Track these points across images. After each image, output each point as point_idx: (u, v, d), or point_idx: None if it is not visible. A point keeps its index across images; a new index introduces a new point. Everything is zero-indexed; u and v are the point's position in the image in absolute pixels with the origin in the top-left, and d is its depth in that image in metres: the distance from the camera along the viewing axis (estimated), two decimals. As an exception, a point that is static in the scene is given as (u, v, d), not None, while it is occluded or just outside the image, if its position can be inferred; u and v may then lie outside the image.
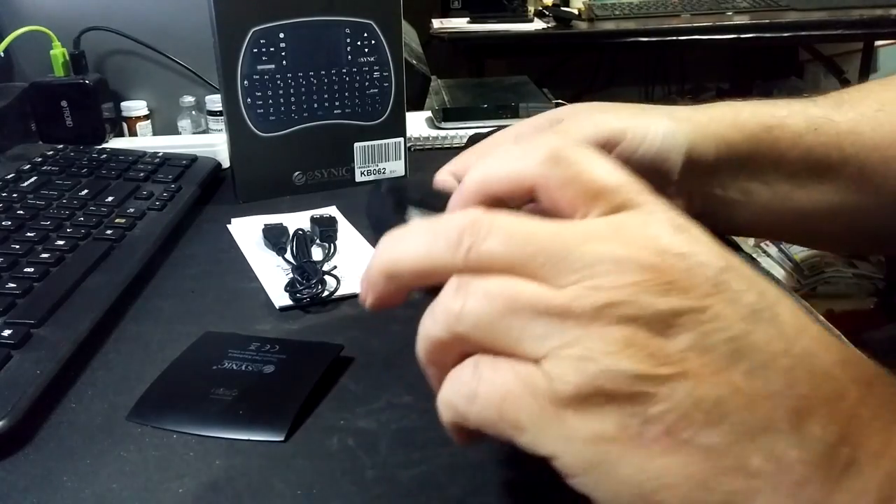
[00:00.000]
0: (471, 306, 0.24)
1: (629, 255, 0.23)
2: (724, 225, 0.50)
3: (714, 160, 0.46)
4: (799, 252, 1.90)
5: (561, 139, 0.27)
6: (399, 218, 0.31)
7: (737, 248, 0.51)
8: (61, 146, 0.68)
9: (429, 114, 0.83)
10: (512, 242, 0.24)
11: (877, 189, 0.46)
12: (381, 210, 0.32)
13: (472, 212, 0.25)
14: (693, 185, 0.48)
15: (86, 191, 0.57)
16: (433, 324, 0.25)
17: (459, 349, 0.25)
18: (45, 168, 0.62)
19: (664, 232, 0.24)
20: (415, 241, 0.26)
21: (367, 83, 0.64)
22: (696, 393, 0.22)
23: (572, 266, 0.23)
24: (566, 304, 0.23)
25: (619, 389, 0.22)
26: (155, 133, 0.83)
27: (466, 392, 0.24)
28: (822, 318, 0.43)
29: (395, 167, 0.68)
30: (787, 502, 0.21)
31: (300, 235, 0.52)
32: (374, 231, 0.33)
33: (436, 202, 0.32)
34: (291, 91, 0.61)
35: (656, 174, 0.44)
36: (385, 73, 0.64)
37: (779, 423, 0.21)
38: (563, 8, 1.85)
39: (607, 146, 0.43)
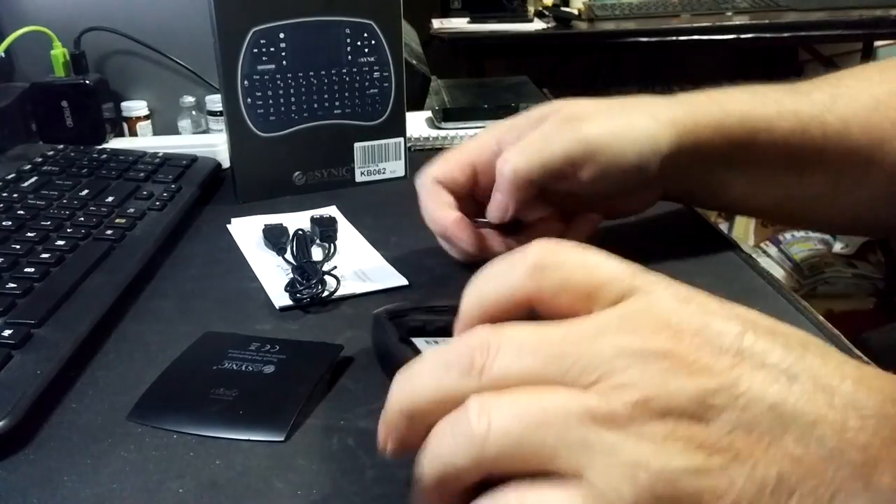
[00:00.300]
0: (498, 426, 0.22)
1: (644, 346, 0.22)
2: (701, 205, 0.52)
3: (694, 161, 0.46)
4: (799, 252, 1.90)
5: (544, 245, 0.26)
6: (405, 350, 0.32)
7: (735, 247, 0.51)
8: (61, 146, 0.68)
9: (429, 114, 0.83)
10: (524, 353, 0.23)
11: (858, 184, 0.46)
12: (387, 345, 0.33)
13: (478, 331, 0.25)
14: (670, 181, 0.48)
15: (86, 191, 0.57)
16: (453, 449, 0.23)
17: (477, 477, 0.23)
18: (45, 168, 0.62)
19: (671, 310, 0.23)
20: (428, 375, 0.25)
21: (367, 83, 0.64)
22: (757, 474, 0.20)
23: (590, 366, 0.22)
24: (596, 407, 0.22)
25: (679, 490, 0.21)
26: (155, 133, 0.83)
27: None
28: (821, 318, 0.43)
29: (395, 167, 0.68)
30: None
31: (300, 235, 0.52)
32: (382, 366, 0.34)
33: (438, 320, 0.33)
34: (291, 91, 0.61)
35: (633, 175, 0.45)
36: (385, 73, 0.64)
37: (848, 482, 0.20)
38: (562, 8, 1.85)
39: (586, 156, 0.43)
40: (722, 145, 0.46)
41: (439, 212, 0.46)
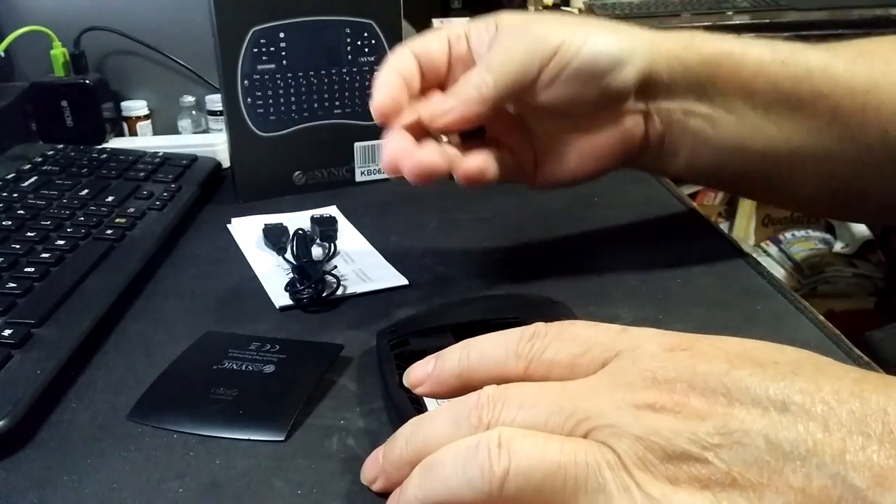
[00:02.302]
0: (518, 466, 0.24)
1: (635, 399, 0.24)
2: (691, 160, 0.46)
3: (669, 80, 0.43)
4: (799, 252, 1.90)
5: (519, 337, 0.28)
6: (404, 399, 0.33)
7: (736, 247, 0.51)
8: (61, 146, 0.68)
9: (429, 113, 0.83)
10: (526, 406, 0.25)
11: (853, 136, 0.43)
12: (388, 389, 0.35)
13: (486, 390, 0.26)
14: (651, 106, 0.44)
15: (86, 191, 0.57)
16: (462, 482, 0.24)
17: None
18: (45, 168, 0.62)
19: (656, 363, 0.25)
20: (440, 430, 0.27)
21: (367, 83, 0.64)
22: None
23: (587, 417, 0.24)
24: (608, 452, 0.23)
25: None
26: (155, 133, 0.83)
27: None
28: (822, 317, 0.43)
29: (396, 167, 0.68)
30: None
31: (300, 235, 0.52)
32: (385, 403, 0.36)
33: (437, 343, 0.35)
34: (291, 91, 0.61)
35: (607, 91, 0.42)
36: (385, 73, 0.64)
37: None
38: (563, 8, 1.85)
39: (542, 62, 0.40)
40: (698, 64, 0.42)
41: (384, 71, 0.41)
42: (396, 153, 0.40)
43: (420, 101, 0.41)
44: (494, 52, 0.40)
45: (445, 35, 0.43)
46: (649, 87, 0.43)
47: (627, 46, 0.41)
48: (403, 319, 0.41)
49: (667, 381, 0.24)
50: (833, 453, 0.21)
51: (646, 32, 0.43)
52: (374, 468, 0.29)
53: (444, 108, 0.40)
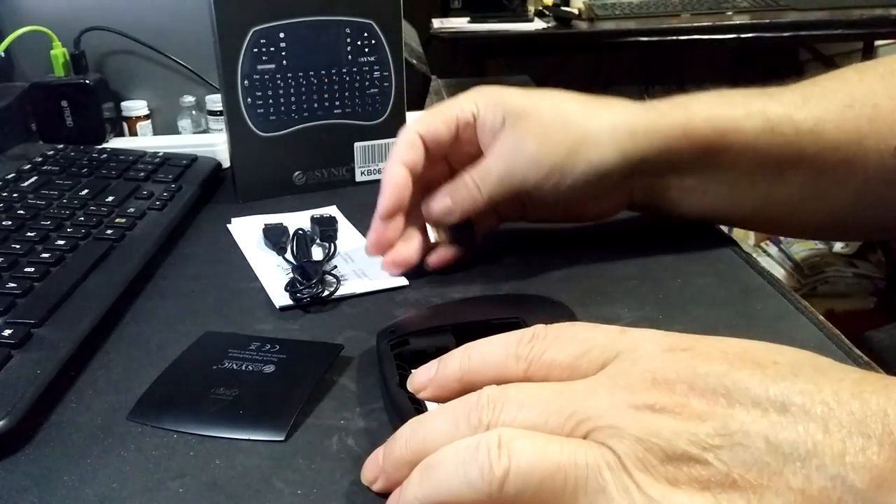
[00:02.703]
0: (518, 466, 0.23)
1: (634, 401, 0.24)
2: (682, 213, 0.49)
3: (659, 167, 0.46)
4: (799, 252, 1.90)
5: (518, 340, 0.29)
6: (404, 399, 0.33)
7: (735, 247, 0.51)
8: (61, 146, 0.68)
9: (429, 113, 0.83)
10: (526, 407, 0.25)
11: (839, 185, 0.45)
12: (389, 389, 0.35)
13: (486, 390, 0.27)
14: (636, 185, 0.48)
15: (86, 190, 0.57)
16: (462, 482, 0.24)
17: None
18: (45, 168, 0.62)
19: (655, 364, 0.25)
20: (439, 430, 0.27)
21: (367, 83, 0.64)
22: None
23: (587, 417, 0.24)
24: (607, 453, 0.23)
25: None
26: (155, 133, 0.83)
27: None
28: (822, 317, 0.43)
29: (396, 167, 0.68)
30: None
31: (300, 235, 0.52)
32: (384, 404, 0.36)
33: (437, 343, 0.36)
34: (291, 91, 0.61)
35: (595, 188, 0.45)
36: (385, 73, 0.64)
37: None
38: (563, 8, 1.85)
39: (536, 181, 0.44)
40: (689, 149, 0.44)
41: (393, 164, 0.45)
42: (380, 242, 0.47)
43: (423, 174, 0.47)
44: (492, 161, 0.44)
45: (455, 119, 0.45)
46: (637, 172, 0.45)
47: (621, 154, 0.44)
48: (403, 319, 0.41)
49: (666, 382, 0.24)
50: (833, 455, 0.21)
51: (642, 117, 0.45)
52: (374, 468, 0.29)
53: (443, 209, 0.46)
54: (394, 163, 0.45)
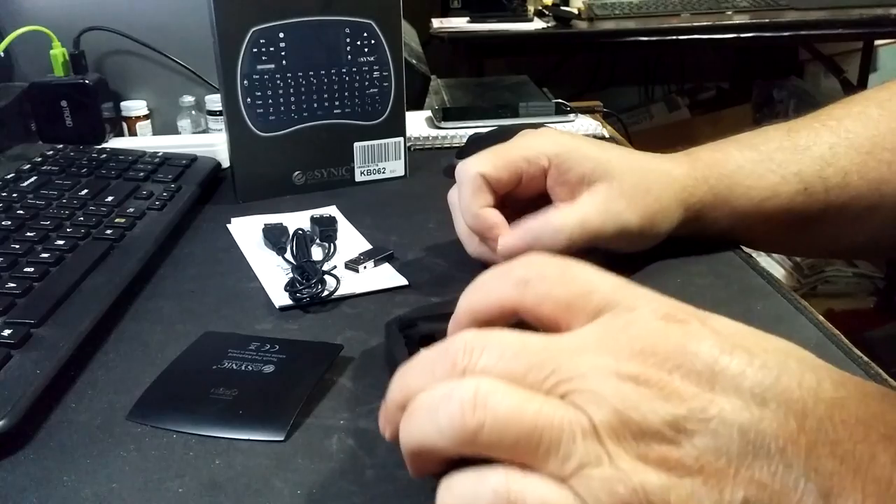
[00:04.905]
0: (493, 424, 0.23)
1: (618, 368, 0.23)
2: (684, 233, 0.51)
3: (700, 230, 0.49)
4: (799, 251, 1.90)
5: (531, 259, 0.28)
6: (410, 354, 0.33)
7: (735, 247, 0.51)
8: (61, 146, 0.68)
9: (429, 113, 0.83)
10: (506, 357, 0.25)
11: (861, 227, 0.48)
12: (395, 356, 0.36)
13: (464, 334, 0.26)
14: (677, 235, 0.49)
15: (86, 190, 0.57)
16: (435, 430, 0.24)
17: (455, 455, 0.24)
18: (45, 168, 0.62)
19: (648, 330, 0.24)
20: (417, 373, 0.27)
21: (366, 83, 0.64)
22: (724, 498, 0.22)
23: (566, 378, 0.24)
24: (581, 424, 0.23)
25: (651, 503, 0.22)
26: (155, 133, 0.83)
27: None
28: (821, 317, 0.43)
29: (395, 167, 0.68)
30: None
31: (300, 235, 0.52)
32: (389, 371, 0.35)
33: (446, 327, 0.35)
34: (291, 91, 0.61)
35: (651, 243, 0.48)
36: (385, 73, 0.64)
37: None
38: (562, 7, 1.85)
39: (618, 238, 0.45)
40: (728, 219, 0.48)
41: (483, 210, 0.45)
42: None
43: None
44: (580, 213, 0.44)
45: (519, 168, 0.45)
46: (679, 230, 0.48)
47: (679, 224, 0.47)
48: (410, 311, 0.41)
49: (654, 355, 0.23)
50: (802, 456, 0.22)
51: (697, 191, 0.47)
52: (382, 419, 0.29)
53: (522, 248, 0.44)
54: (468, 212, 0.45)
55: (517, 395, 0.23)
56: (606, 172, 0.45)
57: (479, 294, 0.29)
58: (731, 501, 0.21)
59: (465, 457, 0.24)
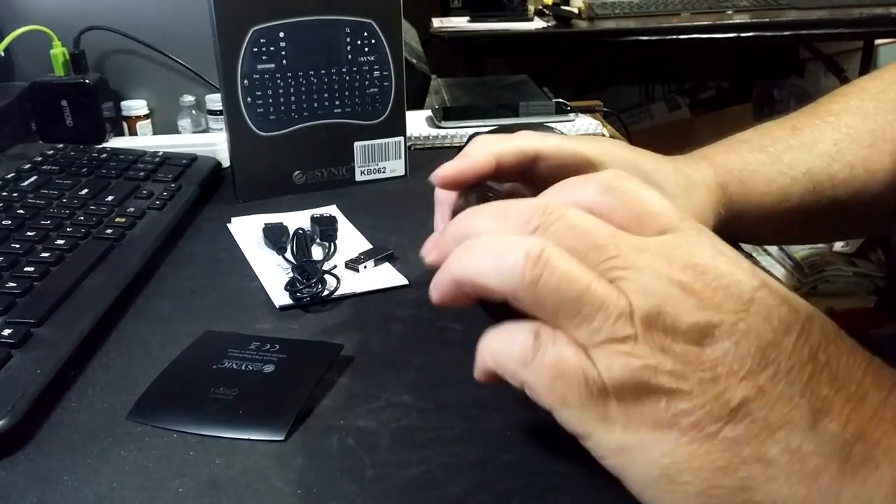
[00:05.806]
0: (545, 283, 0.25)
1: (670, 274, 0.25)
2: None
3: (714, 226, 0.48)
4: (799, 251, 1.90)
5: (618, 172, 0.30)
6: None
7: (735, 246, 0.51)
8: (61, 145, 0.68)
9: (429, 113, 0.83)
10: (577, 232, 0.27)
11: (867, 214, 0.50)
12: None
13: (548, 198, 0.28)
14: None
15: (86, 190, 0.57)
16: (495, 273, 0.26)
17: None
18: (45, 167, 0.62)
19: (704, 253, 0.26)
20: (490, 215, 0.29)
21: (367, 82, 0.64)
22: (725, 395, 0.24)
23: (622, 268, 0.26)
24: (620, 306, 0.25)
25: (658, 385, 0.24)
26: (155, 132, 0.83)
27: (521, 356, 0.26)
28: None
29: (396, 166, 0.68)
30: (800, 489, 0.23)
31: (300, 235, 0.52)
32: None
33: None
34: (291, 90, 0.61)
35: None
36: (385, 73, 0.64)
37: (797, 420, 0.24)
38: (563, 7, 1.85)
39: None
40: (738, 220, 0.48)
41: (467, 159, 0.39)
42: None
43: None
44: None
45: (555, 173, 0.40)
46: None
47: (714, 220, 0.46)
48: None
49: (704, 274, 0.25)
50: (805, 377, 0.24)
51: (721, 196, 0.47)
52: (431, 243, 0.31)
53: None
54: (480, 150, 0.39)
55: (576, 265, 0.26)
56: (646, 177, 0.42)
57: (561, 192, 0.30)
58: (730, 399, 0.24)
59: (498, 312, 0.27)
